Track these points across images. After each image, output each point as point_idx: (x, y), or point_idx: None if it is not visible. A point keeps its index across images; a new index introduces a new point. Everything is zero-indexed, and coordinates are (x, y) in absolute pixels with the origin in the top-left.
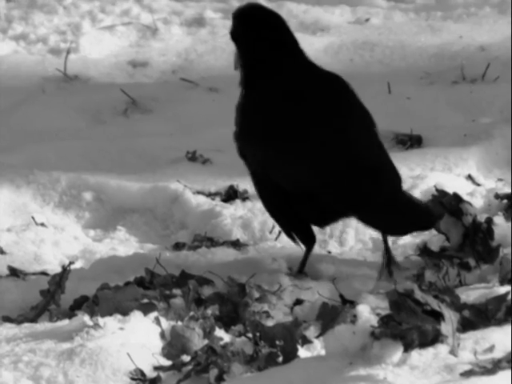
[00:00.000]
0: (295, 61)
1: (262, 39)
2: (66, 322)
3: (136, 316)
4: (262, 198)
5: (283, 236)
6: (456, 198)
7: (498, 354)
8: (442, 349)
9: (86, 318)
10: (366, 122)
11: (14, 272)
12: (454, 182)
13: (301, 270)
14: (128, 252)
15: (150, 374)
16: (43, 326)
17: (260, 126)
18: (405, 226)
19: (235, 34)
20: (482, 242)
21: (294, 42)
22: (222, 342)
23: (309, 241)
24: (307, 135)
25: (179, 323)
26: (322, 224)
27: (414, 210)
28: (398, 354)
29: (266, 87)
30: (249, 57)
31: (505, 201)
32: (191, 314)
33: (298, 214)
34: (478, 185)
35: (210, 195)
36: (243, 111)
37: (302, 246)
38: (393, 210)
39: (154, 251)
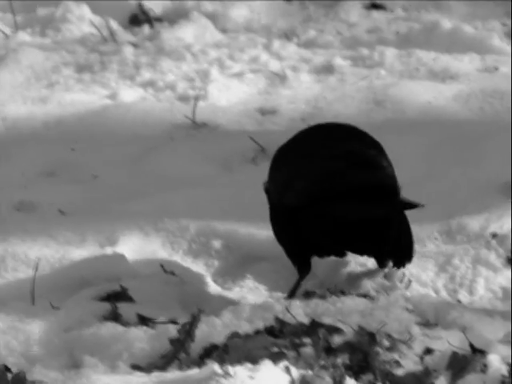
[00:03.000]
0: None
1: None
2: (195, 370)
3: (266, 365)
4: (276, 227)
5: (414, 285)
6: None
7: None
8: None
9: (216, 367)
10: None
11: (143, 320)
12: None
13: (291, 295)
14: (257, 300)
15: None
16: (173, 374)
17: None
18: None
19: None
20: None
21: None
22: None
23: (304, 270)
24: (318, 153)
25: (309, 372)
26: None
27: None
28: None
29: None
30: None
31: None
32: (321, 362)
33: (304, 243)
34: None
35: None
36: None
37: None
38: None
39: (284, 299)
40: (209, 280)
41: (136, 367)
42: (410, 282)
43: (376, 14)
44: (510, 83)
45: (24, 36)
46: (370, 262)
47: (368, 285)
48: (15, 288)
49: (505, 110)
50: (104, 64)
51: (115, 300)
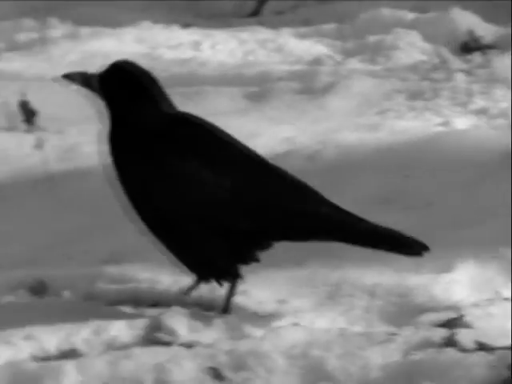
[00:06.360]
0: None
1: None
2: None
3: None
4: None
5: None
6: None
7: None
8: None
9: None
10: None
11: (481, 346)
12: None
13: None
14: None
15: None
16: None
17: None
18: None
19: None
20: None
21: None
22: None
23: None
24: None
25: None
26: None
27: None
28: None
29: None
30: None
31: None
32: None
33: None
34: None
35: None
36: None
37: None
38: None
39: None
40: None
41: None
42: None
43: None
44: None
45: (354, 63)
46: None
47: None
48: (351, 314)
49: None
50: (436, 91)
51: (453, 326)
